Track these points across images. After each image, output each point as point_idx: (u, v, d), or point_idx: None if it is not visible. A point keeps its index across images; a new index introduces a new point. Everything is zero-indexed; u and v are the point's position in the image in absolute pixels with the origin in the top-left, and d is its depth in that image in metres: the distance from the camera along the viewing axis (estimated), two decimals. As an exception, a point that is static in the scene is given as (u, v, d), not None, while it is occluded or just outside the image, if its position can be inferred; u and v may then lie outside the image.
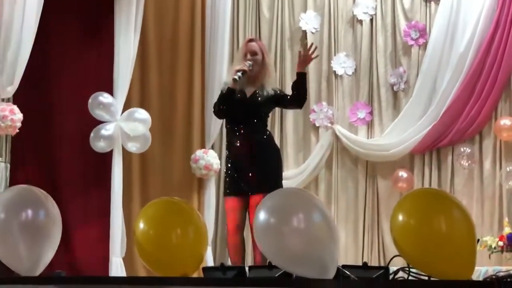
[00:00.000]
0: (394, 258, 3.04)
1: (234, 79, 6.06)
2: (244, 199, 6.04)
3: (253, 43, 6.38)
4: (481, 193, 9.09)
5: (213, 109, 6.47)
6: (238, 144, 6.13)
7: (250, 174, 6.03)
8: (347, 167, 9.76)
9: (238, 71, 6.06)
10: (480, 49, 9.04)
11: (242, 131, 6.13)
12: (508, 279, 2.55)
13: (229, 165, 6.23)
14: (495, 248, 8.30)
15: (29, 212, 3.50)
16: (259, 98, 6.17)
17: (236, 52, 8.58)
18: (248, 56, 6.17)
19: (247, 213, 6.09)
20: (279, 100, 6.26)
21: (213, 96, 8.74)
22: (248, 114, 6.14)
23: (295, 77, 6.18)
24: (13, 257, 3.53)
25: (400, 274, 3.00)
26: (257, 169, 6.03)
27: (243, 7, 10.26)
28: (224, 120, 6.55)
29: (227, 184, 6.24)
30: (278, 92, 6.29)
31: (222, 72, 8.84)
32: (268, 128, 6.41)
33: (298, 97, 6.18)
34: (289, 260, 3.00)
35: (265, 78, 6.22)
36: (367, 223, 9.56)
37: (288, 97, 6.21)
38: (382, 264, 8.66)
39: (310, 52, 6.05)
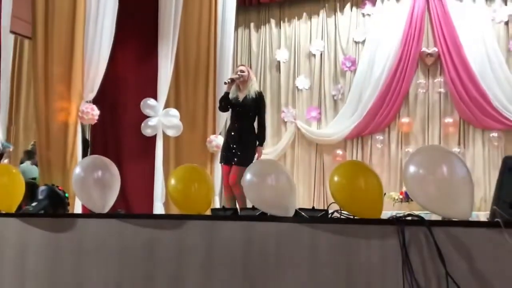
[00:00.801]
0: (332, 204, 3.04)
1: (225, 82, 6.19)
2: (230, 167, 5.96)
3: (242, 66, 6.36)
4: (389, 165, 9.12)
5: (218, 106, 6.45)
6: (233, 133, 6.07)
7: (236, 152, 5.96)
8: (304, 147, 9.77)
9: (228, 79, 6.17)
10: (389, 74, 9.06)
11: (235, 124, 6.09)
12: (402, 217, 2.58)
13: (225, 144, 6.16)
14: (397, 199, 8.36)
15: (99, 172, 3.49)
16: (246, 101, 6.06)
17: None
18: (238, 72, 6.13)
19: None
20: (258, 109, 6.07)
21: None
22: (239, 112, 6.07)
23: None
24: (89, 201, 3.52)
25: (335, 214, 3.00)
26: (240, 149, 5.95)
27: (240, 44, 10.26)
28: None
29: (221, 156, 6.19)
30: (259, 95, 6.08)
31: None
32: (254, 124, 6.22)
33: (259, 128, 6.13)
34: (265, 205, 3.01)
35: (250, 86, 6.11)
36: (317, 182, 9.58)
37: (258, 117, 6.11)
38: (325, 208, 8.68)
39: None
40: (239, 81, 6.09)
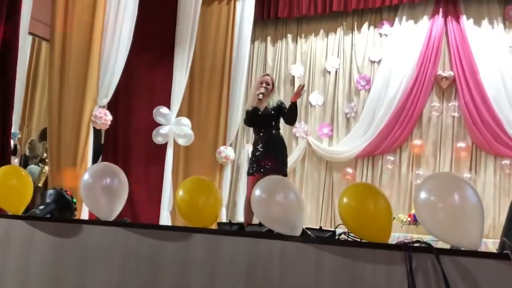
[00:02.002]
0: (339, 225, 3.01)
1: (259, 98, 6.02)
2: (257, 178, 5.74)
3: (268, 77, 6.31)
4: (399, 186, 9.06)
5: (243, 121, 6.31)
6: (260, 145, 6.01)
7: (266, 162, 5.91)
8: (314, 163, 9.74)
9: (259, 94, 6.03)
10: (403, 95, 9.02)
11: (260, 134, 6.06)
12: (410, 244, 2.54)
13: (253, 157, 6.06)
14: (405, 222, 8.30)
15: (108, 179, 3.46)
16: (267, 111, 6.02)
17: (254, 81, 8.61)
18: (264, 84, 6.09)
19: None
20: (281, 112, 6.04)
21: (233, 112, 8.76)
22: (262, 123, 6.04)
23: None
24: (96, 207, 3.50)
25: (342, 236, 2.98)
26: (269, 159, 5.90)
27: (256, 57, 10.27)
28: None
29: (250, 168, 6.09)
30: (280, 103, 6.08)
31: (240, 98, 8.82)
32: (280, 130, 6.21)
33: (290, 120, 6.09)
34: (273, 222, 2.99)
35: (271, 98, 6.09)
36: (325, 200, 9.53)
37: (285, 116, 6.06)
38: (333, 228, 8.62)
39: (302, 91, 5.98)
40: (264, 93, 6.07)
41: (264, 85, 6.11)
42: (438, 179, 2.76)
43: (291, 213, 2.97)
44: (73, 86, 6.66)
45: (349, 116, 9.57)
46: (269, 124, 6.03)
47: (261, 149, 5.98)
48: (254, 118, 6.06)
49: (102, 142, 8.18)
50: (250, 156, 6.27)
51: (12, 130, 6.12)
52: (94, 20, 6.73)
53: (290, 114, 6.02)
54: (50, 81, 6.68)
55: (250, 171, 6.05)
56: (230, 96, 8.81)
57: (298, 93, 5.92)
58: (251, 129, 9.84)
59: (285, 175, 5.99)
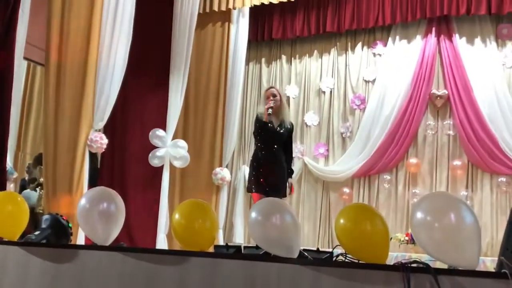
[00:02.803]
0: (336, 247, 3.00)
1: (269, 113, 5.87)
2: (262, 195, 5.76)
3: (273, 89, 6.18)
4: (396, 205, 9.03)
5: (254, 135, 6.16)
6: (263, 160, 5.93)
7: (269, 180, 5.87)
8: (310, 183, 9.72)
9: (268, 108, 5.87)
10: (398, 114, 9.03)
11: (266, 150, 5.95)
12: (408, 264, 2.54)
13: (255, 173, 5.96)
14: (403, 241, 8.27)
15: (104, 204, 3.49)
16: (282, 129, 5.98)
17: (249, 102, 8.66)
18: (271, 98, 5.98)
19: None
20: (290, 138, 6.11)
21: (229, 133, 8.78)
22: (273, 139, 5.96)
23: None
24: (92, 233, 3.51)
25: (340, 257, 2.98)
26: (274, 178, 5.87)
27: (251, 78, 10.31)
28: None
29: (251, 184, 6.00)
30: (292, 127, 6.15)
31: (236, 120, 8.88)
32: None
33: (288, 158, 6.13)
34: (269, 244, 2.98)
35: (283, 112, 6.04)
36: (322, 220, 9.49)
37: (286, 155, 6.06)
38: (330, 249, 8.58)
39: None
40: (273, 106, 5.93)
41: (271, 98, 6.00)
42: (434, 199, 2.77)
43: (288, 235, 2.97)
44: (68, 110, 6.66)
45: (345, 136, 9.58)
46: (279, 143, 5.96)
47: (265, 168, 5.90)
48: (264, 131, 5.94)
49: (98, 166, 8.17)
50: (252, 171, 6.09)
51: (10, 167, 6.13)
52: (89, 44, 6.76)
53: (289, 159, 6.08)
54: (45, 105, 6.69)
55: (255, 188, 5.93)
56: (226, 118, 8.84)
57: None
58: (247, 150, 9.89)
59: (285, 195, 5.97)
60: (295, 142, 9.76)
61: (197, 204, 3.44)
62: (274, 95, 6.04)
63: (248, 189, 6.13)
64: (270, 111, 5.87)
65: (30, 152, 10.18)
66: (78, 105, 6.70)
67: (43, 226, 3.76)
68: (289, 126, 6.04)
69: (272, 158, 5.92)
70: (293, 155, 6.26)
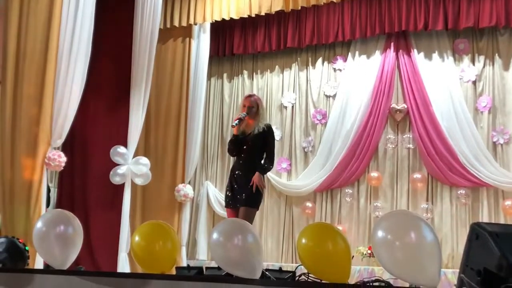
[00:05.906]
0: (299, 266, 3.01)
1: (232, 125, 5.72)
2: (235, 210, 5.59)
3: (251, 98, 5.89)
4: (358, 218, 9.07)
5: (227, 149, 5.94)
6: (237, 172, 5.68)
7: (242, 193, 5.58)
8: (273, 198, 9.69)
9: (236, 119, 5.69)
10: (359, 128, 9.09)
11: (240, 162, 5.73)
12: (369, 283, 2.54)
13: (228, 186, 5.74)
14: (365, 254, 8.31)
15: (62, 227, 3.45)
16: (252, 137, 5.67)
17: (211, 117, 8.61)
18: (246, 108, 5.73)
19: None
20: (265, 142, 5.73)
21: (191, 149, 8.74)
22: (244, 149, 5.70)
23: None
24: (49, 256, 3.46)
25: (302, 277, 2.97)
26: (247, 189, 5.56)
27: (213, 94, 10.28)
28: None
29: (226, 199, 5.78)
30: (267, 129, 5.74)
31: (198, 135, 8.86)
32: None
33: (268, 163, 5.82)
34: (231, 265, 2.97)
35: (259, 119, 5.73)
36: (285, 235, 9.47)
37: (264, 157, 5.77)
38: (295, 263, 8.58)
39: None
40: (244, 117, 5.68)
41: (246, 108, 5.75)
42: (394, 217, 2.78)
43: (250, 256, 2.95)
44: (25, 128, 6.54)
45: (307, 150, 9.61)
46: (251, 152, 5.68)
47: (238, 180, 5.67)
48: (235, 145, 5.72)
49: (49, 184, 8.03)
50: (227, 184, 5.89)
51: None
52: (46, 62, 6.67)
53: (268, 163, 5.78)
54: (2, 124, 6.55)
55: (229, 203, 5.74)
56: (188, 133, 8.80)
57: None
58: (210, 166, 9.84)
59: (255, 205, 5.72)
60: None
61: (158, 225, 3.40)
62: (251, 106, 5.77)
63: (225, 205, 5.91)
64: (235, 123, 5.69)
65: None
66: (36, 122, 6.60)
67: (-1, 250, 3.65)
68: (257, 131, 5.68)
69: (244, 170, 5.67)
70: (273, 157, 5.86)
